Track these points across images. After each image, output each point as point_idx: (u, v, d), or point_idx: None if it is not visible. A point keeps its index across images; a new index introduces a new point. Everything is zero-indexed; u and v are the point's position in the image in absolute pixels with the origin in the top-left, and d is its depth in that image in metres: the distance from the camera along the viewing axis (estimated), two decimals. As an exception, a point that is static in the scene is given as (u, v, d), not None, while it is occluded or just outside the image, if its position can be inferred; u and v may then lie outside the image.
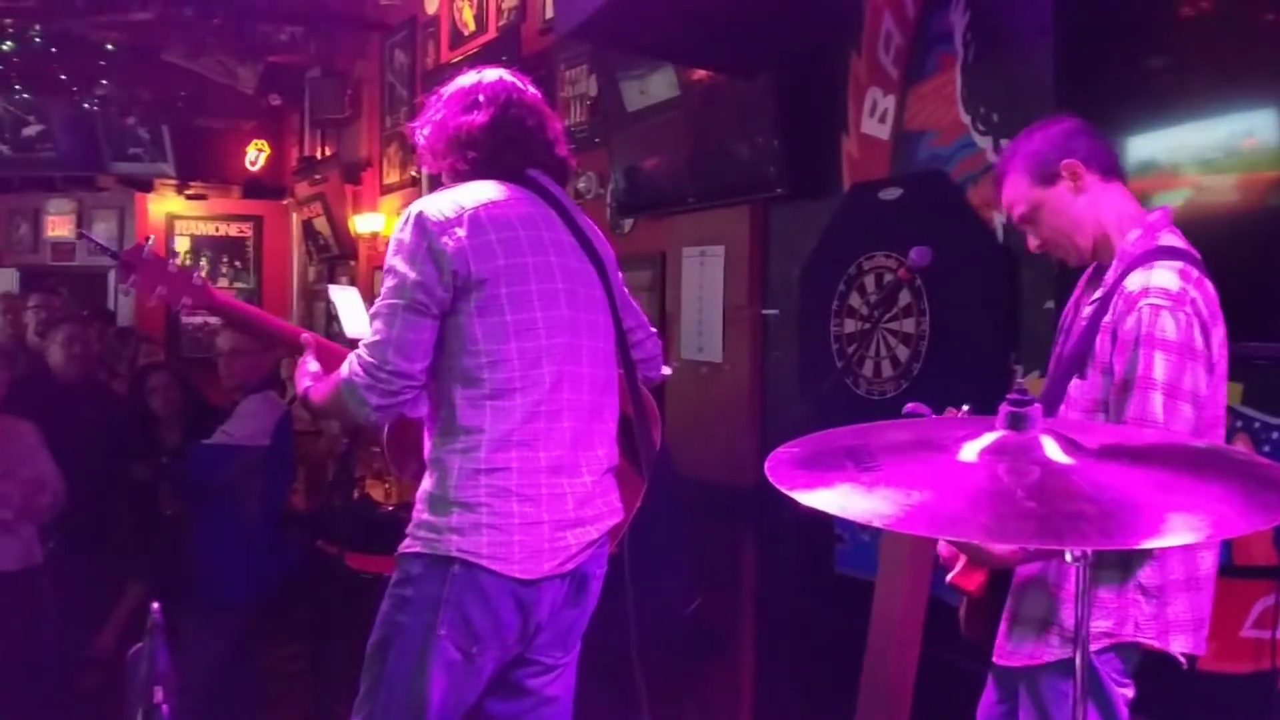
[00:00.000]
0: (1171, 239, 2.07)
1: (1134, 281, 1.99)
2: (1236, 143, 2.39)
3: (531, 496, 2.16)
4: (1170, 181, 2.53)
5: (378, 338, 2.14)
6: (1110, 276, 2.07)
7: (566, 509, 2.19)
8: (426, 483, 2.22)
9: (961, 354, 3.12)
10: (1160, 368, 1.92)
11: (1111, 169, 2.15)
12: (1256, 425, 2.44)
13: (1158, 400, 1.92)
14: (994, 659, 2.12)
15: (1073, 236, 2.14)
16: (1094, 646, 1.97)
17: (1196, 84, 2.46)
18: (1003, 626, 2.11)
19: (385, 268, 2.20)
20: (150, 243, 2.52)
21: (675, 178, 4.18)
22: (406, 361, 2.13)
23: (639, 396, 2.43)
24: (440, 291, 2.13)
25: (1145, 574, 1.99)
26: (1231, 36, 2.43)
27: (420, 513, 2.20)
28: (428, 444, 2.25)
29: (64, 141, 8.95)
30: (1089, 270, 2.22)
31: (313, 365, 2.47)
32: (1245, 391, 2.44)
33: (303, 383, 2.44)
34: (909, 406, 2.37)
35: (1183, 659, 2.03)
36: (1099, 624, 1.98)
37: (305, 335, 2.57)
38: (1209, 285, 2.01)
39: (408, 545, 2.20)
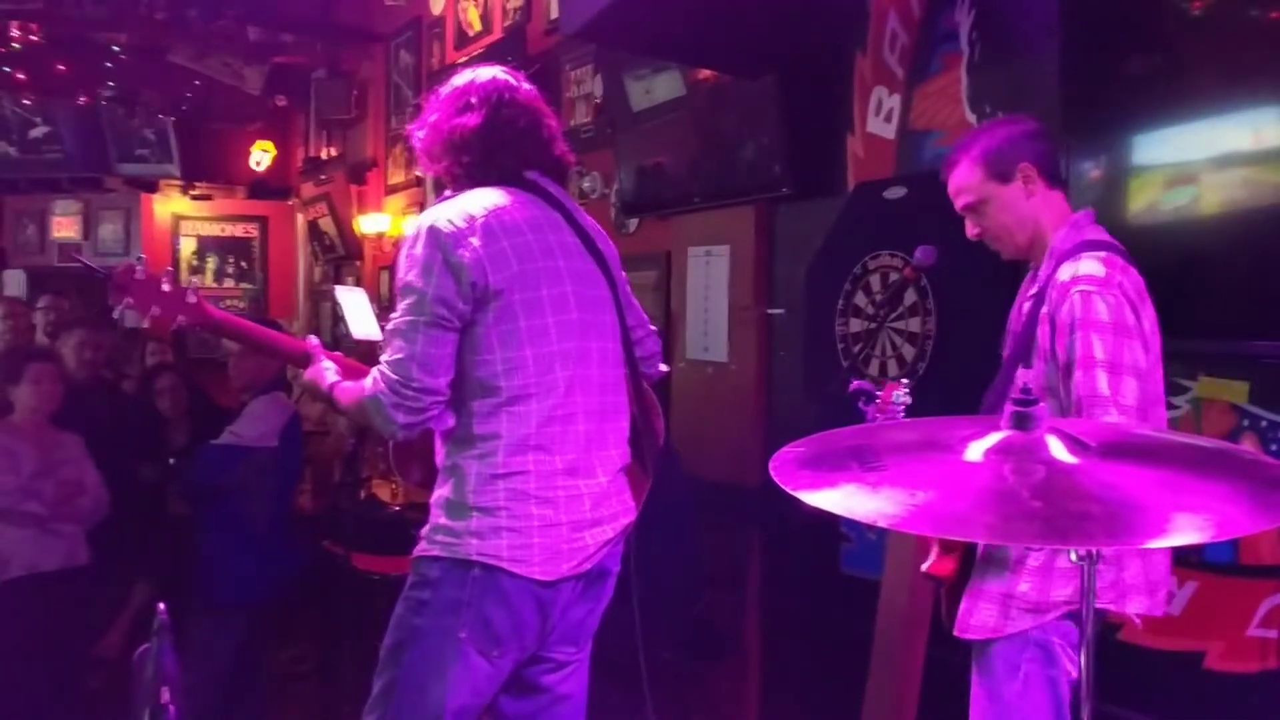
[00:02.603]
0: (1095, 233, 2.23)
1: (1064, 272, 2.13)
2: (1242, 141, 2.38)
3: (549, 499, 2.16)
4: (1175, 180, 2.52)
5: (400, 355, 2.11)
6: (1044, 271, 2.23)
7: (583, 510, 2.20)
8: (443, 489, 2.20)
9: (967, 353, 3.11)
10: (1098, 347, 2.04)
11: (1057, 178, 2.31)
12: (1264, 424, 2.43)
13: (1102, 377, 2.03)
14: (955, 631, 2.20)
15: (1014, 233, 2.29)
16: (1053, 615, 2.09)
17: (1202, 82, 2.46)
18: (965, 601, 2.19)
19: (399, 284, 2.17)
20: (141, 262, 2.46)
21: (680, 177, 4.17)
22: (431, 377, 2.11)
23: (642, 394, 2.43)
24: (460, 304, 2.12)
25: None
26: (1239, 35, 2.42)
27: (437, 518, 2.19)
28: (441, 451, 2.24)
29: (70, 143, 8.97)
30: (1028, 275, 2.36)
31: (328, 365, 2.44)
32: (1252, 390, 2.43)
33: (326, 379, 2.39)
34: (854, 385, 2.52)
35: (1138, 620, 2.14)
36: (1061, 592, 2.08)
37: (311, 343, 2.56)
38: (1134, 272, 2.15)
39: (424, 549, 2.19)
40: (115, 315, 3.32)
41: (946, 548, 2.27)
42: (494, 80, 2.32)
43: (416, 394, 2.10)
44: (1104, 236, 2.22)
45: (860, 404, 2.49)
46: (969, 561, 2.21)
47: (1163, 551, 2.15)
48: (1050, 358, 2.14)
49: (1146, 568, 2.13)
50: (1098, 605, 2.05)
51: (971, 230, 2.36)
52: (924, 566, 2.32)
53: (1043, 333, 2.16)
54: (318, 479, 5.47)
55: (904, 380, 2.52)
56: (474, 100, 2.28)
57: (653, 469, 2.40)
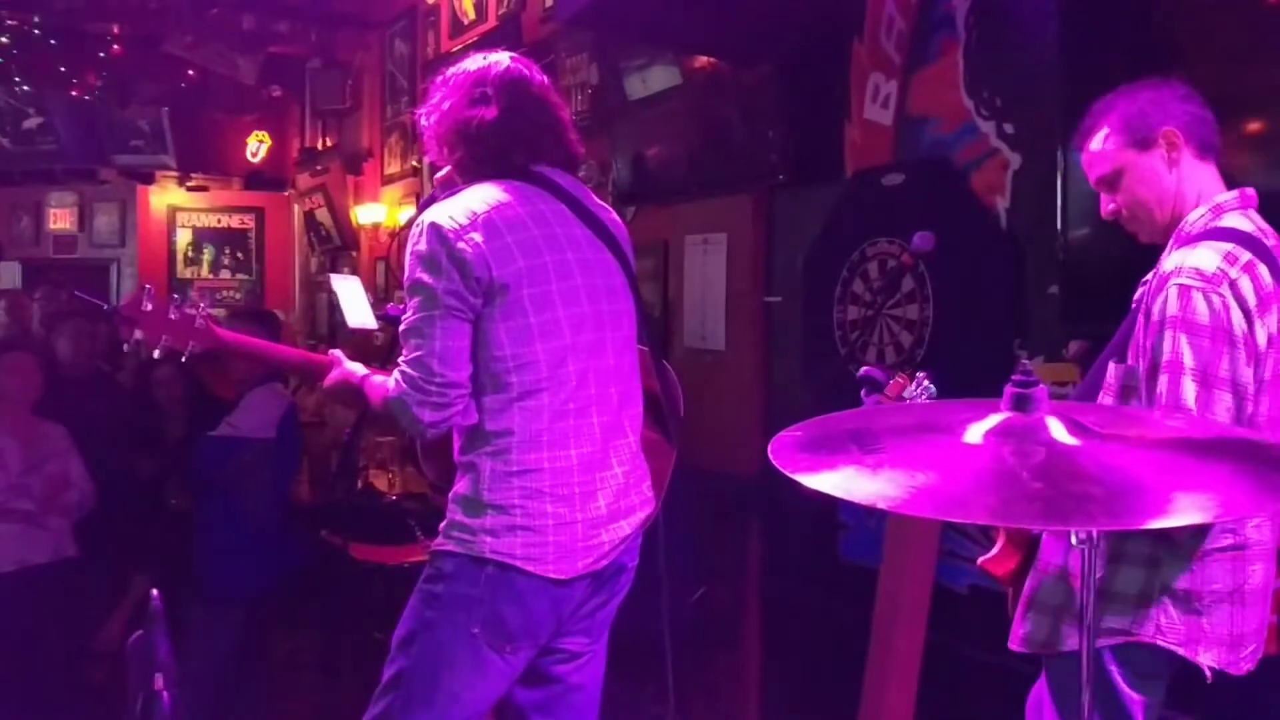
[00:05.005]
0: (1237, 220, 1.93)
1: (1171, 261, 1.88)
2: (1243, 127, 2.37)
3: (564, 496, 2.14)
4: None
5: (418, 353, 2.09)
6: (1163, 256, 1.96)
7: (599, 506, 2.18)
8: (460, 485, 2.20)
9: (965, 340, 3.11)
10: (1189, 352, 1.80)
11: (1209, 146, 2.00)
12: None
13: (1189, 387, 1.79)
14: (1009, 644, 2.08)
15: (1151, 210, 2.00)
16: (1107, 641, 1.92)
17: (1203, 68, 2.44)
18: (1018, 611, 2.06)
19: (407, 284, 2.15)
20: (148, 291, 2.43)
21: (677, 166, 4.16)
22: (453, 370, 2.09)
23: (662, 370, 2.43)
24: (471, 296, 2.10)
25: (1179, 578, 1.90)
26: (1241, 21, 2.41)
27: (453, 514, 2.18)
28: (457, 447, 2.23)
29: (65, 134, 8.93)
30: None
31: (353, 365, 2.41)
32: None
33: (357, 375, 2.38)
34: (864, 371, 2.36)
35: (1209, 672, 1.92)
36: (1114, 621, 1.91)
37: (332, 352, 2.52)
38: (1263, 272, 1.86)
39: (441, 543, 2.18)
40: (126, 350, 3.27)
41: (1013, 543, 2.10)
42: (510, 70, 2.28)
43: (440, 389, 2.08)
44: (1244, 225, 1.92)
45: (863, 393, 2.33)
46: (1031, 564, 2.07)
47: (1258, 602, 1.92)
48: (1140, 355, 1.90)
49: (1235, 618, 1.89)
50: (1159, 642, 1.91)
51: (1106, 207, 2.06)
52: (981, 560, 2.16)
53: (1140, 326, 1.92)
54: (315, 470, 5.46)
55: (920, 374, 2.29)
56: (490, 91, 2.24)
57: (677, 442, 2.40)
